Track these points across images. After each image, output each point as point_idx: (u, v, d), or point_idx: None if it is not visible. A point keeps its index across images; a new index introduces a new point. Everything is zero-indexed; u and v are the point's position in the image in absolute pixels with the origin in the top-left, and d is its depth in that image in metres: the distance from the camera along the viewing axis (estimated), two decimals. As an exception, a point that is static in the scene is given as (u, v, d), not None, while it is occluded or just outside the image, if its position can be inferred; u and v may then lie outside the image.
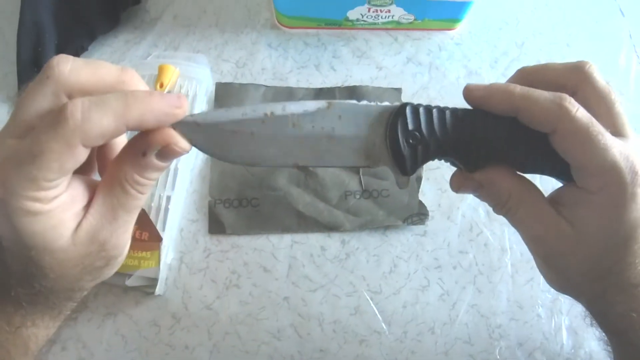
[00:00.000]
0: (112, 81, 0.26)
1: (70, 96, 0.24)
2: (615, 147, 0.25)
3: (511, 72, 0.52)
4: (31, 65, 0.49)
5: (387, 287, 0.43)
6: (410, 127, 0.27)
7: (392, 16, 0.51)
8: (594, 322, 0.32)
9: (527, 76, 0.30)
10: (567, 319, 0.43)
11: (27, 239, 0.24)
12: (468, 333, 0.42)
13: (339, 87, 0.51)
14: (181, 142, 0.25)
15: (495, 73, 0.54)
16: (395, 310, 0.43)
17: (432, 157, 0.29)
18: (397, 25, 0.53)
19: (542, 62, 0.54)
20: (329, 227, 0.44)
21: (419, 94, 0.51)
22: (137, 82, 0.26)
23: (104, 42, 0.53)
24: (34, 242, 0.24)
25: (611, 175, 0.25)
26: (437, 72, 0.53)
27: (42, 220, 0.24)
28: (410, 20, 0.52)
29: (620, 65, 0.57)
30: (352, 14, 0.51)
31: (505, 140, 0.28)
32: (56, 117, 0.23)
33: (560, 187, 0.30)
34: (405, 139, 0.27)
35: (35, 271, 0.25)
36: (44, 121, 0.23)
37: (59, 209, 0.24)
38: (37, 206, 0.23)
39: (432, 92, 0.52)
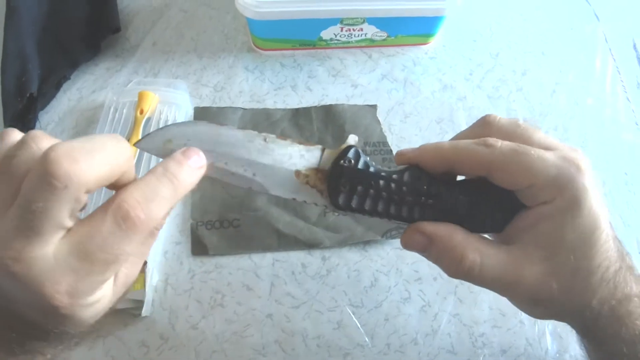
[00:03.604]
0: (121, 164, 0.26)
1: (89, 191, 0.24)
2: (548, 154, 0.29)
3: (486, 84, 0.58)
4: (15, 95, 0.53)
5: (368, 300, 0.47)
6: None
7: (365, 34, 0.56)
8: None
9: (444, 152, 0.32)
10: (550, 324, 0.46)
11: (85, 322, 0.27)
12: (451, 342, 0.46)
13: (315, 107, 0.55)
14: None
15: (470, 85, 0.58)
16: (378, 323, 0.46)
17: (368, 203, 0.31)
18: (371, 43, 0.58)
19: (518, 71, 0.60)
20: (309, 245, 0.48)
21: (395, 110, 0.56)
22: (129, 151, 0.27)
23: (85, 70, 0.58)
24: (92, 319, 0.27)
25: (560, 177, 0.28)
26: (412, 87, 0.57)
27: (100, 302, 0.27)
28: (384, 38, 0.57)
29: (597, 69, 0.62)
30: (326, 34, 0.55)
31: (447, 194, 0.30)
32: (122, 224, 0.24)
33: (502, 232, 0.31)
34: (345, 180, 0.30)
35: (72, 331, 0.28)
36: (104, 227, 0.24)
37: (111, 281, 0.27)
38: (99, 294, 0.26)
39: (407, 107, 0.56)
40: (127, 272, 0.29)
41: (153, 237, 0.30)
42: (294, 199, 0.31)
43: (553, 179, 0.28)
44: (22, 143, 0.25)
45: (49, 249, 0.23)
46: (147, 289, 0.44)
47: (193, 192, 0.50)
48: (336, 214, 0.32)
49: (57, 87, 0.56)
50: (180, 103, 0.53)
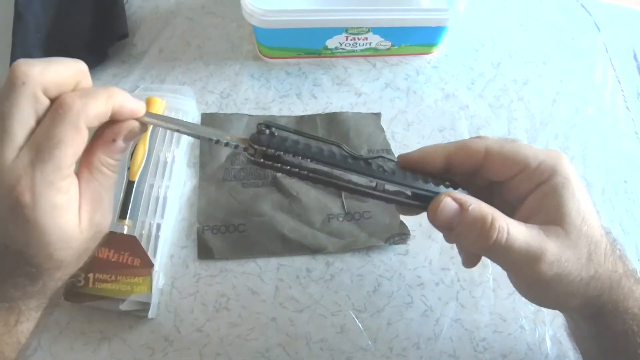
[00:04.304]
0: (74, 73, 0.30)
1: (47, 94, 0.28)
2: (524, 143, 0.34)
3: (488, 93, 0.60)
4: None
5: (371, 305, 0.48)
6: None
7: (370, 43, 0.58)
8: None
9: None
10: (550, 330, 0.48)
11: (51, 236, 0.28)
12: (453, 347, 0.47)
13: (319, 114, 0.57)
14: (139, 127, 0.32)
15: (472, 94, 0.60)
16: (380, 327, 0.47)
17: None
18: (375, 52, 0.60)
19: (519, 81, 0.62)
20: (314, 250, 0.49)
21: (398, 118, 0.57)
22: (84, 66, 0.31)
23: (92, 76, 0.57)
24: (57, 237, 0.29)
25: (549, 159, 0.32)
26: (415, 96, 0.59)
27: (64, 211, 0.28)
28: (388, 47, 0.59)
29: (597, 79, 0.63)
30: (331, 43, 0.57)
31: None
32: (59, 109, 0.27)
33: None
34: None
35: (50, 267, 0.30)
36: (46, 118, 0.28)
37: (73, 196, 0.29)
38: (61, 199, 0.28)
39: (410, 115, 0.58)
40: (89, 208, 0.31)
41: (105, 172, 0.32)
42: (217, 141, 0.33)
43: (543, 160, 0.32)
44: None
45: (15, 151, 0.27)
46: (153, 292, 0.45)
47: (199, 197, 0.51)
48: (260, 162, 0.33)
49: (65, 92, 0.58)
50: (187, 109, 0.54)
